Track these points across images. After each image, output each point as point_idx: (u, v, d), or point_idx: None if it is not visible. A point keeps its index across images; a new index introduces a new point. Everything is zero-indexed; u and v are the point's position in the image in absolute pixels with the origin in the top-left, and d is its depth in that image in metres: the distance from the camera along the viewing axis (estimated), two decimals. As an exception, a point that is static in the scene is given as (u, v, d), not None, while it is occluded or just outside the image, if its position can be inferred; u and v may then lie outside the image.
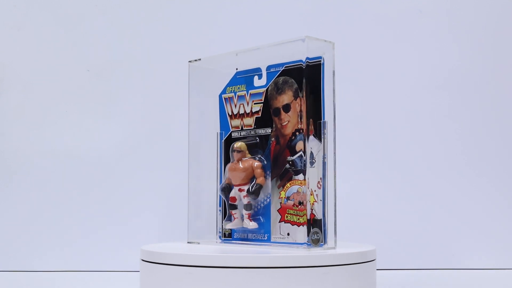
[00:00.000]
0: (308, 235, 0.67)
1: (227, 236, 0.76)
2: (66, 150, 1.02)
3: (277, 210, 0.71)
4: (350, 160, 1.03)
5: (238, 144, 0.74)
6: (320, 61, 0.69)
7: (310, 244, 0.67)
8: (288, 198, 0.70)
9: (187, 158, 0.80)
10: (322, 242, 0.68)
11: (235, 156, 0.74)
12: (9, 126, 1.03)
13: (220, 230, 0.76)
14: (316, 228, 0.68)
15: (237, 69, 0.76)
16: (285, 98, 0.71)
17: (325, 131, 0.69)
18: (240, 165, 0.73)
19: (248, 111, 0.75)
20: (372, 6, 1.04)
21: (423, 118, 1.03)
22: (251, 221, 0.72)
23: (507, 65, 1.04)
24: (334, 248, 0.68)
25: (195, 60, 0.80)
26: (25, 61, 1.03)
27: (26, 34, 1.04)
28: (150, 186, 1.02)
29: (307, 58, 0.68)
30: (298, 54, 0.69)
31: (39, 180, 1.02)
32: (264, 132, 0.73)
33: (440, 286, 0.85)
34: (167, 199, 1.02)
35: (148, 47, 1.04)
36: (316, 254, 0.64)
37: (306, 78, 0.69)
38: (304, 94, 0.68)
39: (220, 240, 0.76)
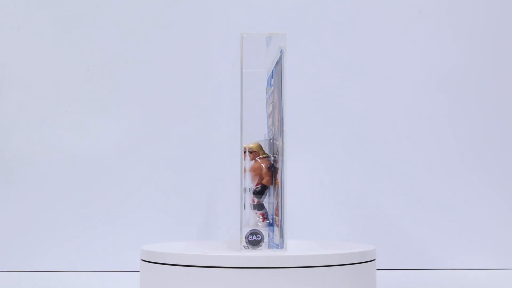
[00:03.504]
0: (245, 237, 0.66)
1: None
2: (66, 150, 1.02)
3: (275, 210, 0.71)
4: (350, 160, 1.03)
5: (249, 145, 0.74)
6: (279, 55, 0.69)
7: (245, 246, 0.66)
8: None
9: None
10: (279, 244, 0.67)
11: (248, 156, 0.74)
12: (9, 126, 1.03)
13: None
14: (255, 229, 0.67)
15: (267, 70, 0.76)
16: (275, 96, 0.71)
17: (283, 128, 0.69)
18: (251, 166, 0.73)
19: (270, 111, 0.75)
20: (372, 6, 1.04)
21: (422, 119, 1.03)
22: (263, 220, 0.72)
23: (507, 66, 1.03)
24: (282, 250, 0.66)
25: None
26: (25, 61, 1.03)
27: (26, 34, 1.04)
28: (151, 186, 1.02)
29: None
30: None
31: (39, 179, 1.02)
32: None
33: (440, 286, 0.85)
34: (168, 199, 1.02)
35: (148, 47, 1.04)
36: (315, 254, 0.64)
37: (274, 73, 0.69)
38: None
39: None
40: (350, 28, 1.04)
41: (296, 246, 0.75)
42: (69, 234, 1.01)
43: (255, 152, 0.73)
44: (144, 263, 0.69)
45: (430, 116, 1.03)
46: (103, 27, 1.04)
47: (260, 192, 0.72)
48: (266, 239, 0.67)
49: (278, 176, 0.68)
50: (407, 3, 1.04)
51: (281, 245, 0.67)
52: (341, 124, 1.03)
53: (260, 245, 0.66)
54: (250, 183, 0.74)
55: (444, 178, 1.02)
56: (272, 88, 0.73)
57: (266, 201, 0.72)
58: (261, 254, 0.64)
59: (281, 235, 0.67)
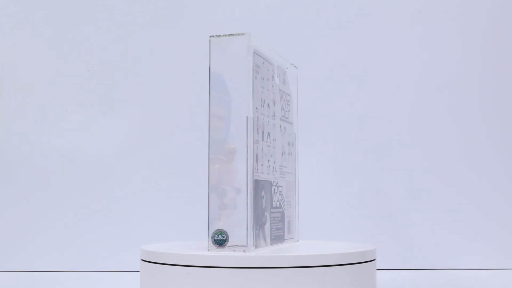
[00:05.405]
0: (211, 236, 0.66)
1: None
2: (66, 150, 1.02)
3: None
4: (350, 160, 1.03)
5: None
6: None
7: (212, 245, 0.66)
8: None
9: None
10: (249, 245, 0.66)
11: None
12: (9, 126, 1.03)
13: None
14: (220, 229, 0.67)
15: None
16: None
17: (248, 126, 0.68)
18: None
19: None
20: (372, 6, 1.04)
21: (423, 119, 1.03)
22: None
23: (507, 66, 1.03)
24: (246, 251, 0.66)
25: None
26: (25, 61, 1.03)
27: (26, 34, 1.04)
28: (151, 186, 1.02)
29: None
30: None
31: (39, 179, 1.02)
32: None
33: (440, 286, 0.85)
34: (168, 199, 1.02)
35: (148, 47, 1.04)
36: (315, 254, 0.64)
37: None
38: None
39: None
40: (350, 28, 1.04)
41: (296, 246, 0.75)
42: (69, 234, 1.01)
43: None
44: (144, 263, 0.69)
45: (430, 116, 1.03)
46: (103, 27, 1.04)
47: None
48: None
49: (248, 177, 0.67)
50: (407, 3, 1.04)
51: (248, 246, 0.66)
52: (342, 125, 1.03)
53: (226, 245, 0.66)
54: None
55: (445, 179, 1.02)
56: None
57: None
58: (261, 254, 0.64)
59: (247, 236, 0.65)
